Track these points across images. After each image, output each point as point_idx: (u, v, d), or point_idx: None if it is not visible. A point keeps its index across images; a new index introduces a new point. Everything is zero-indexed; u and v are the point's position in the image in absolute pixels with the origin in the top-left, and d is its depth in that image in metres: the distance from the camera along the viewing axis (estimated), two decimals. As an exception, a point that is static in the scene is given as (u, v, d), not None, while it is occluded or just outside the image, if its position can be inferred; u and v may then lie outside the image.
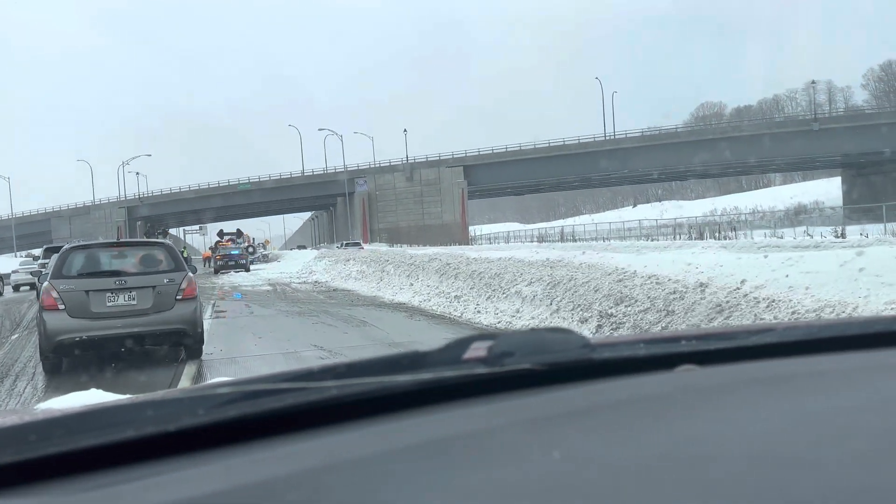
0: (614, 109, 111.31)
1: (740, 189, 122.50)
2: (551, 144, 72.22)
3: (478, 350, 0.89)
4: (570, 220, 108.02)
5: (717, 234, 28.49)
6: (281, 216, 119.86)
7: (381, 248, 39.28)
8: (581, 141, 71.89)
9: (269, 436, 0.78)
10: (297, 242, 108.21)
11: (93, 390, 1.85)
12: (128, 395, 1.07)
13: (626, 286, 7.79)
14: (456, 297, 11.96)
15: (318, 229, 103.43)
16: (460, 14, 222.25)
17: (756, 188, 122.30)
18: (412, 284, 15.11)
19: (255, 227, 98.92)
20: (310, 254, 38.58)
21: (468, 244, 52.73)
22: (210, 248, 48.53)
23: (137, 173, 79.23)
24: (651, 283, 7.58)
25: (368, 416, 0.81)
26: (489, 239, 67.58)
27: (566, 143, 71.91)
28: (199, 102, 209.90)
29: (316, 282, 23.58)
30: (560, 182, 77.95)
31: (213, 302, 17.53)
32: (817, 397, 0.82)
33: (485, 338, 0.92)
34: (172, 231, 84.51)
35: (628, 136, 71.62)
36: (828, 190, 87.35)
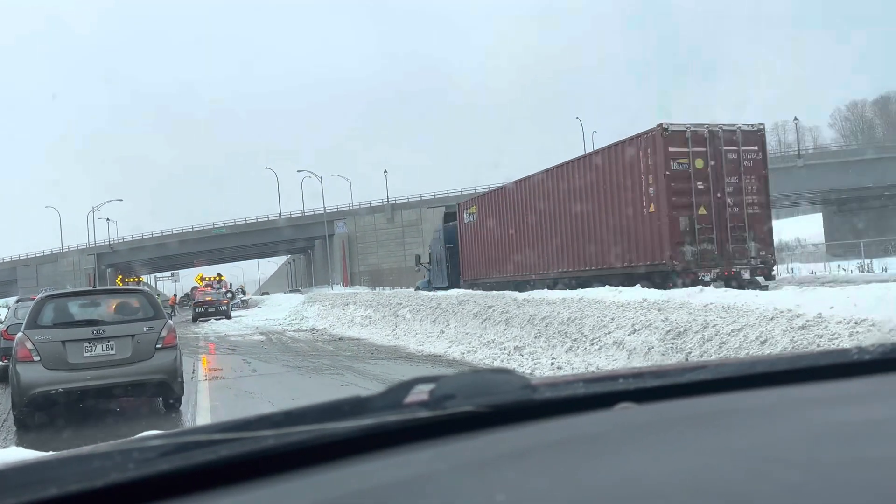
0: (594, 148, 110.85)
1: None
2: (535, 183, 70.85)
3: (420, 393, 0.89)
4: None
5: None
6: (255, 261, 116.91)
7: (363, 290, 37.15)
8: (565, 179, 70.62)
9: (204, 490, 0.75)
10: (273, 288, 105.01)
11: (13, 448, 1.10)
12: (51, 452, 0.98)
13: (818, 335, 5.77)
14: (516, 347, 9.82)
15: (296, 273, 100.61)
16: (437, 56, 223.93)
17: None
18: (443, 332, 12.93)
19: (228, 273, 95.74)
20: (296, 298, 36.13)
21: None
22: (185, 294, 45.85)
23: (108, 219, 76.26)
24: (866, 330, 5.56)
25: (308, 465, 0.79)
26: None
27: (550, 181, 70.62)
28: (173, 145, 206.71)
29: (313, 329, 21.25)
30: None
31: (201, 356, 15.13)
32: (750, 431, 0.83)
33: (427, 380, 0.91)
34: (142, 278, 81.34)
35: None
36: (801, 227, 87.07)
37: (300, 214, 74.54)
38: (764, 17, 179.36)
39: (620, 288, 10.99)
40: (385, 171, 72.44)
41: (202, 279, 41.14)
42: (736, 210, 14.58)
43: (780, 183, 64.79)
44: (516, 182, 21.30)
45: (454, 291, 16.83)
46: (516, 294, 12.42)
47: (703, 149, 14.42)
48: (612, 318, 8.46)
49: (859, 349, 1.17)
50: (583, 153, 22.17)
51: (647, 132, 14.64)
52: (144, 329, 7.90)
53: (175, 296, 46.61)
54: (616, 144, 15.61)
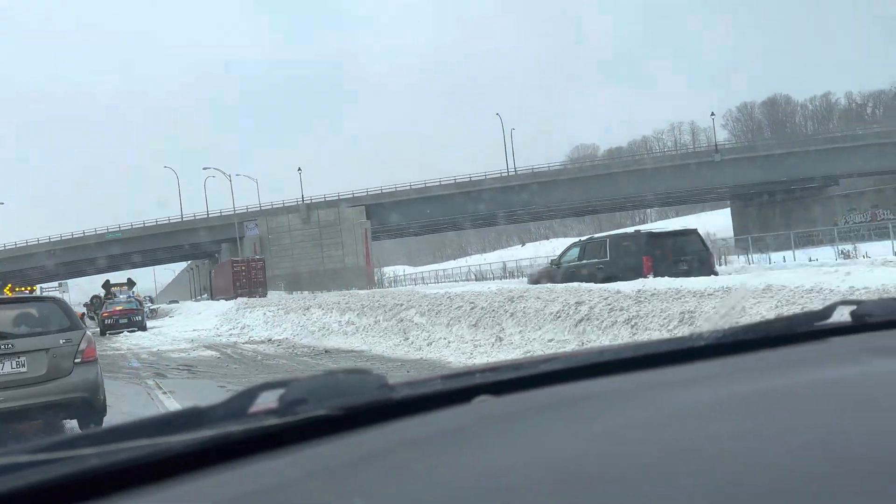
0: (513, 146, 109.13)
1: (618, 225, 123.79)
2: (457, 181, 68.77)
3: (267, 400, 0.86)
4: (461, 261, 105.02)
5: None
6: (151, 268, 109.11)
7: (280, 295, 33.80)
8: (488, 177, 68.87)
9: None
10: (171, 297, 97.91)
11: None
12: None
13: None
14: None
15: (199, 280, 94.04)
16: (349, 54, 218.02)
17: (633, 224, 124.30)
18: (500, 339, 9.91)
19: (119, 282, 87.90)
20: (218, 304, 31.86)
21: (375, 287, 47.47)
22: (85, 305, 40.22)
23: (-15, 224, 68.38)
24: None
25: (139, 485, 0.73)
26: (414, 280, 62.51)
27: (472, 178, 68.68)
28: (63, 146, 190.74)
29: (271, 340, 17.58)
30: (462, 219, 74.32)
31: (149, 381, 11.37)
32: (605, 415, 0.85)
33: (274, 385, 0.87)
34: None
35: (535, 171, 69.48)
36: (711, 221, 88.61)
37: (204, 216, 69.26)
38: (661, 18, 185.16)
39: (842, 268, 8.15)
40: (299, 169, 68.07)
41: (110, 286, 36.00)
42: (255, 279, 45.23)
43: (693, 178, 65.42)
44: (226, 261, 53.72)
45: (487, 285, 13.73)
46: (622, 285, 9.38)
47: (244, 268, 46.38)
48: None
49: (696, 336, 1.21)
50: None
51: (226, 262, 52.21)
52: (60, 342, 7.03)
53: (93, 300, 40.13)
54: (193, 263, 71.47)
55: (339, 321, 15.79)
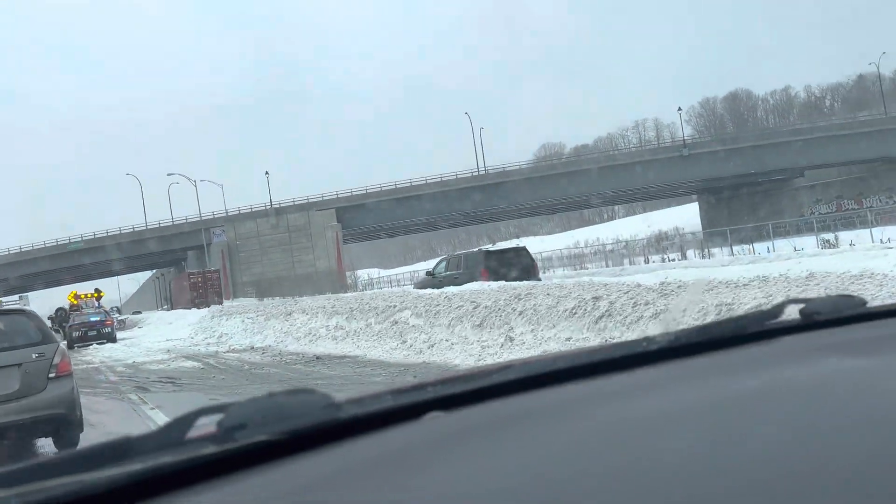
0: (483, 145, 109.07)
1: (585, 223, 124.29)
2: (428, 182, 68.25)
3: (204, 426, 0.82)
4: (432, 262, 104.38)
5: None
6: (115, 278, 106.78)
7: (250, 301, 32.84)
8: (458, 177, 68.45)
9: None
10: (135, 307, 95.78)
11: None
12: None
13: None
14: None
15: (165, 289, 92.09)
16: (311, 58, 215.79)
17: (601, 222, 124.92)
18: (511, 339, 9.35)
19: (86, 292, 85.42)
20: (193, 314, 30.87)
21: (349, 291, 46.75)
22: (49, 317, 38.80)
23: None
24: None
25: None
26: (389, 283, 61.82)
27: (443, 178, 68.21)
28: (21, 154, 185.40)
29: (253, 347, 16.87)
30: (433, 219, 73.84)
31: (137, 397, 10.67)
32: (562, 428, 0.84)
33: (212, 411, 0.84)
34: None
35: (505, 169, 69.21)
36: (679, 216, 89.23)
37: (169, 223, 67.72)
38: (620, 17, 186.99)
39: (892, 253, 7.76)
40: (266, 173, 66.91)
41: (76, 297, 34.78)
42: (211, 289, 43.95)
43: (661, 173, 65.71)
44: (183, 274, 57.04)
45: (475, 285, 13.23)
46: (643, 277, 8.93)
47: (200, 279, 46.76)
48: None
49: (648, 340, 1.21)
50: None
51: (183, 274, 55.52)
52: (33, 356, 6.76)
53: (58, 313, 38.70)
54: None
55: (327, 326, 15.14)
